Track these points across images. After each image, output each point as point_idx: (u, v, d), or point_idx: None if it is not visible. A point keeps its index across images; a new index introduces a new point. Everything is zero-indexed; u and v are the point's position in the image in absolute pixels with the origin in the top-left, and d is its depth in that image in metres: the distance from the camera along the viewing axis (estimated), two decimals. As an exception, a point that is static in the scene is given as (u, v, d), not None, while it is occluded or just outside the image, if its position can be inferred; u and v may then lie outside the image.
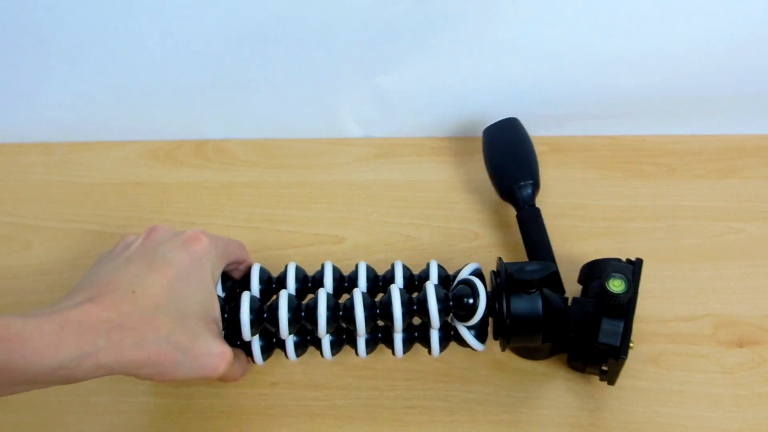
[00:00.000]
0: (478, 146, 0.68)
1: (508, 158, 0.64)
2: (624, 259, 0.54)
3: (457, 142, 0.69)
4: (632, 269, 0.49)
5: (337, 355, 0.52)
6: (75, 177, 0.70)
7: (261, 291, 0.52)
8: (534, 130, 0.72)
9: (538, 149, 0.65)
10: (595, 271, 0.56)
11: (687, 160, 0.70)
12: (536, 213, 0.61)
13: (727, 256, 0.62)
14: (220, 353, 0.45)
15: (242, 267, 0.53)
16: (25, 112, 0.71)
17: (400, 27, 0.65)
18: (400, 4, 0.63)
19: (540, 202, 0.66)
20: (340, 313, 0.50)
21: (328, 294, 0.50)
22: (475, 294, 0.49)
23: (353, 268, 0.54)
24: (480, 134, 0.67)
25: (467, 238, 0.64)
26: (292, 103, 0.71)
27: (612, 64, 0.67)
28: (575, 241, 0.63)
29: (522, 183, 0.62)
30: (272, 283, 0.53)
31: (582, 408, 0.53)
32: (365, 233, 0.65)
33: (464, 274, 0.52)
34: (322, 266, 0.53)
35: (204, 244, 0.48)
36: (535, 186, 0.62)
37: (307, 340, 0.52)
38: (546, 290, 0.51)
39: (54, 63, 0.67)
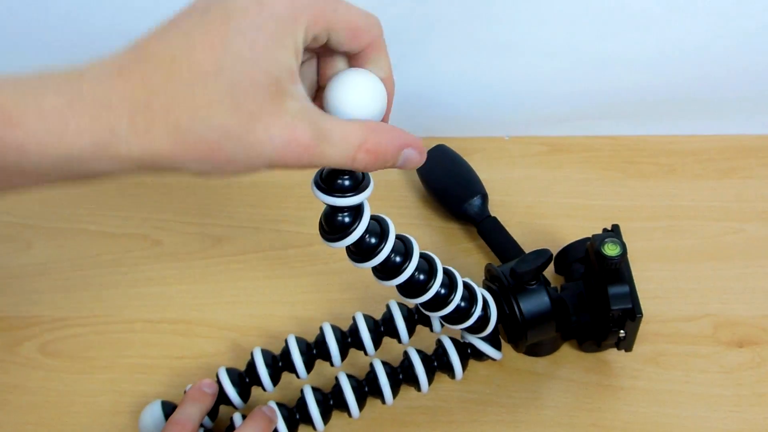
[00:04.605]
0: (478, 146, 0.68)
1: (448, 183, 0.65)
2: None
3: (456, 142, 0.69)
4: (618, 234, 0.51)
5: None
6: (75, 177, 0.70)
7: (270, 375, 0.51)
8: (534, 130, 0.72)
9: (538, 149, 0.65)
10: (571, 256, 0.56)
11: (687, 160, 0.70)
12: (494, 222, 0.62)
13: (727, 256, 0.62)
14: (286, 141, 0.34)
15: (355, 38, 0.37)
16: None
17: (400, 27, 0.65)
18: (399, 4, 0.63)
19: (540, 202, 0.66)
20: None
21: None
22: (485, 304, 0.49)
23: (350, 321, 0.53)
24: (479, 134, 0.67)
25: (467, 237, 0.64)
26: (292, 103, 0.71)
27: (612, 65, 0.67)
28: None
29: (470, 200, 0.63)
30: (278, 362, 0.52)
31: (582, 408, 0.53)
32: (365, 233, 0.65)
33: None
34: (321, 329, 0.52)
35: None
36: (484, 198, 0.63)
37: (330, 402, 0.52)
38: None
39: (53, 63, 0.67)
